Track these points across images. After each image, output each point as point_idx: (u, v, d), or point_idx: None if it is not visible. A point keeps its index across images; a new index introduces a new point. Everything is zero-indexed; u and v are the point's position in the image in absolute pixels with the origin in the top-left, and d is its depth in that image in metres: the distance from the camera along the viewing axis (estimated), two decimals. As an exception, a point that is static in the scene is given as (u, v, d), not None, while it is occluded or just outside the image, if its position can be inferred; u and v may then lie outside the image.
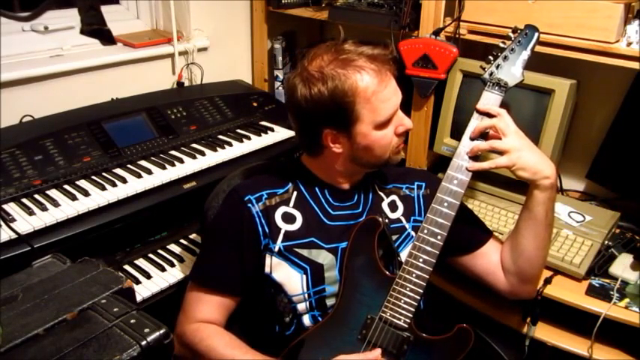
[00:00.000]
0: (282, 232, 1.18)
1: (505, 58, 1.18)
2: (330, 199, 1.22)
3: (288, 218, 1.19)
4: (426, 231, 1.14)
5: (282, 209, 1.19)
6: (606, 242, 1.52)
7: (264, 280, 1.19)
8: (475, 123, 1.15)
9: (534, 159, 1.11)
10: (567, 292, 1.39)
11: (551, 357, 1.45)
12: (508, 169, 1.12)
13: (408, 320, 1.13)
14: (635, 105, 1.56)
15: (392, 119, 1.14)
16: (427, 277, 1.13)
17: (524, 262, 1.19)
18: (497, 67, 1.18)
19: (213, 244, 1.22)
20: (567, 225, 1.55)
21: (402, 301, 1.13)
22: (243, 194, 1.19)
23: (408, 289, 1.13)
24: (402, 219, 1.27)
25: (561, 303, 1.38)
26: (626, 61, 1.38)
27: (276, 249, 1.17)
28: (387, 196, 1.28)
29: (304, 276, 1.16)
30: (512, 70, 1.17)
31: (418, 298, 1.13)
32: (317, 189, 1.22)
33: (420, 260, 1.13)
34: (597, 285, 1.40)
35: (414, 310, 1.13)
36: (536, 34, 1.19)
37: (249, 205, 1.18)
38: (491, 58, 1.19)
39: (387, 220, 1.22)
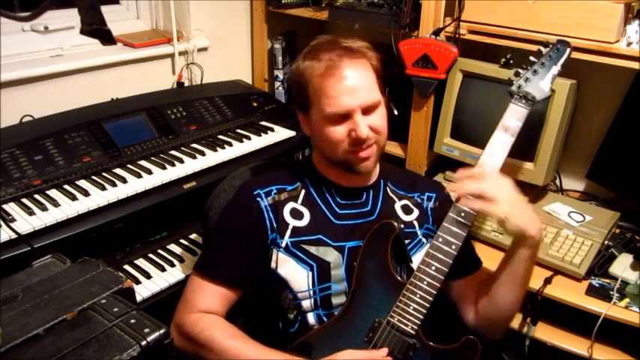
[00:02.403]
0: (290, 227, 1.18)
1: (535, 72, 1.18)
2: (338, 197, 1.23)
3: (297, 214, 1.20)
4: (440, 239, 1.13)
5: (290, 205, 1.20)
6: (606, 242, 1.52)
7: (269, 275, 1.19)
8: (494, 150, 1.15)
9: (523, 220, 1.07)
10: (567, 292, 1.39)
11: (551, 357, 1.45)
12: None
13: (415, 327, 1.12)
14: (635, 105, 1.56)
15: (344, 120, 1.12)
16: (438, 285, 1.12)
17: (494, 312, 1.20)
18: (526, 80, 1.17)
19: (221, 236, 1.22)
20: (567, 225, 1.55)
21: (411, 307, 1.12)
22: (253, 188, 1.21)
23: (418, 295, 1.12)
24: (415, 224, 1.27)
25: (561, 303, 1.38)
26: (626, 61, 1.38)
27: (284, 244, 1.17)
28: (400, 200, 1.29)
29: (310, 273, 1.16)
30: (540, 84, 1.17)
31: (427, 305, 1.12)
32: (324, 188, 1.23)
33: (432, 268, 1.12)
34: (597, 285, 1.40)
35: (422, 317, 1.12)
36: (568, 50, 1.18)
37: (259, 199, 1.19)
38: (520, 70, 1.18)
39: (402, 225, 1.21)
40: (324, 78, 1.11)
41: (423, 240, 1.26)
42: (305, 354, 1.14)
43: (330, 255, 1.18)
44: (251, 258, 1.18)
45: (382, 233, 1.18)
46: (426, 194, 1.31)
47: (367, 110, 1.13)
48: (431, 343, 1.14)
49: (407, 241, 1.23)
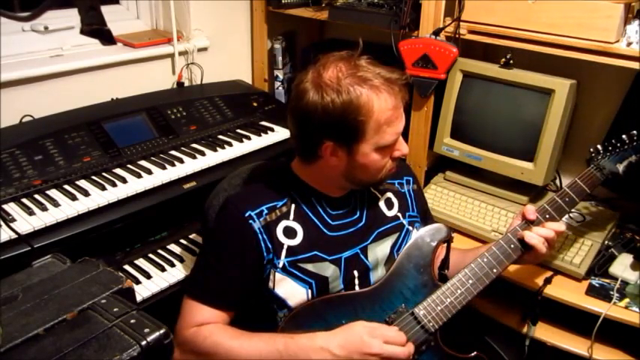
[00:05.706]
0: (285, 247, 1.16)
1: (617, 153, 1.31)
2: (328, 209, 1.22)
3: (290, 232, 1.17)
4: (485, 259, 1.21)
5: (283, 223, 1.17)
6: (606, 242, 1.52)
7: (266, 295, 1.17)
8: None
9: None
10: (567, 292, 1.39)
11: (551, 357, 1.45)
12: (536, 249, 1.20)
13: (436, 326, 1.16)
14: (635, 105, 1.56)
15: (394, 144, 1.14)
16: (470, 299, 1.18)
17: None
18: (608, 157, 1.31)
19: (213, 260, 1.18)
20: (567, 225, 1.55)
21: (439, 309, 1.17)
22: (243, 209, 1.16)
23: (448, 300, 1.17)
24: (399, 215, 1.28)
25: (561, 303, 1.38)
26: (626, 61, 1.38)
27: (281, 265, 1.16)
28: (382, 194, 1.29)
29: (309, 290, 1.16)
30: (617, 165, 1.31)
31: (454, 312, 1.17)
32: (314, 200, 1.21)
33: (470, 282, 1.19)
34: (597, 285, 1.40)
35: (446, 320, 1.16)
36: None
37: (251, 221, 1.15)
38: (609, 147, 1.31)
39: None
40: (391, 111, 1.08)
41: (410, 228, 1.29)
42: (326, 309, 1.16)
43: (327, 270, 1.17)
44: (245, 281, 1.16)
45: (438, 232, 1.24)
46: (404, 178, 1.34)
47: None
48: (445, 348, 1.18)
49: (395, 235, 1.26)
